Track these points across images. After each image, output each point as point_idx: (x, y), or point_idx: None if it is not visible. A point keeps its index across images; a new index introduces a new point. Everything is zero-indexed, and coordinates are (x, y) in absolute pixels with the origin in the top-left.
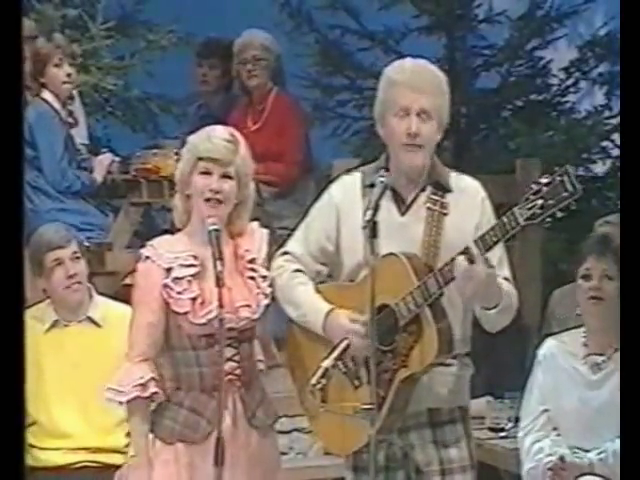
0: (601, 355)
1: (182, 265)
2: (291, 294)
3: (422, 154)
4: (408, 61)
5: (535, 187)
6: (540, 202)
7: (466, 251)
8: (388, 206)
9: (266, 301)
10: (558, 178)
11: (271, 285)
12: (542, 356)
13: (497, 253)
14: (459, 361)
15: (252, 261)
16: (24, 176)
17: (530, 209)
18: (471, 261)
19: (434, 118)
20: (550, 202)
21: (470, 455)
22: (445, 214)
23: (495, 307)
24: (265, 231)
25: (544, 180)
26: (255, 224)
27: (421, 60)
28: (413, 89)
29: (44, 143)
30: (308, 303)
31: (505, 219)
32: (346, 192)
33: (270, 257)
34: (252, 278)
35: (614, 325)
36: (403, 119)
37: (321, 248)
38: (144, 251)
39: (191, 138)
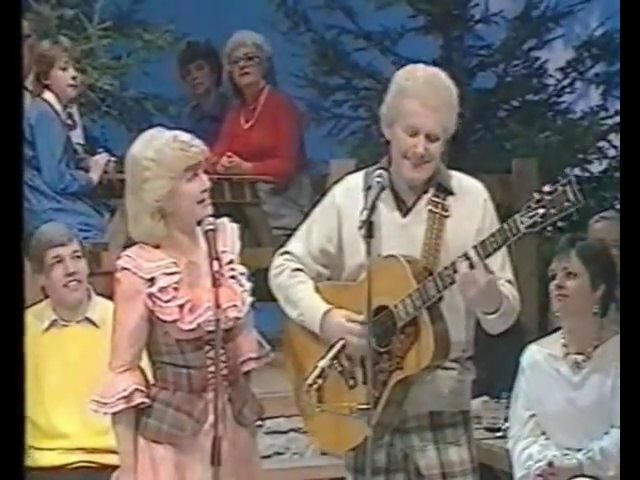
0: (581, 354)
1: (165, 274)
2: (290, 293)
3: (427, 169)
4: (420, 69)
5: (537, 196)
6: (542, 211)
7: (466, 257)
8: (390, 207)
9: (250, 298)
10: (560, 188)
11: (251, 282)
12: (525, 362)
13: (499, 256)
14: (461, 365)
15: (231, 261)
16: (23, 176)
17: (531, 217)
18: (471, 267)
19: (442, 137)
20: (552, 211)
21: (471, 458)
22: (446, 217)
23: (495, 312)
24: (235, 225)
25: (547, 189)
26: (226, 220)
27: (433, 69)
28: (424, 105)
29: (43, 144)
30: (306, 302)
31: (506, 226)
32: (348, 193)
33: (242, 250)
34: (233, 277)
35: (590, 323)
36: (411, 137)
37: (322, 249)
38: (121, 262)
39: (159, 157)
